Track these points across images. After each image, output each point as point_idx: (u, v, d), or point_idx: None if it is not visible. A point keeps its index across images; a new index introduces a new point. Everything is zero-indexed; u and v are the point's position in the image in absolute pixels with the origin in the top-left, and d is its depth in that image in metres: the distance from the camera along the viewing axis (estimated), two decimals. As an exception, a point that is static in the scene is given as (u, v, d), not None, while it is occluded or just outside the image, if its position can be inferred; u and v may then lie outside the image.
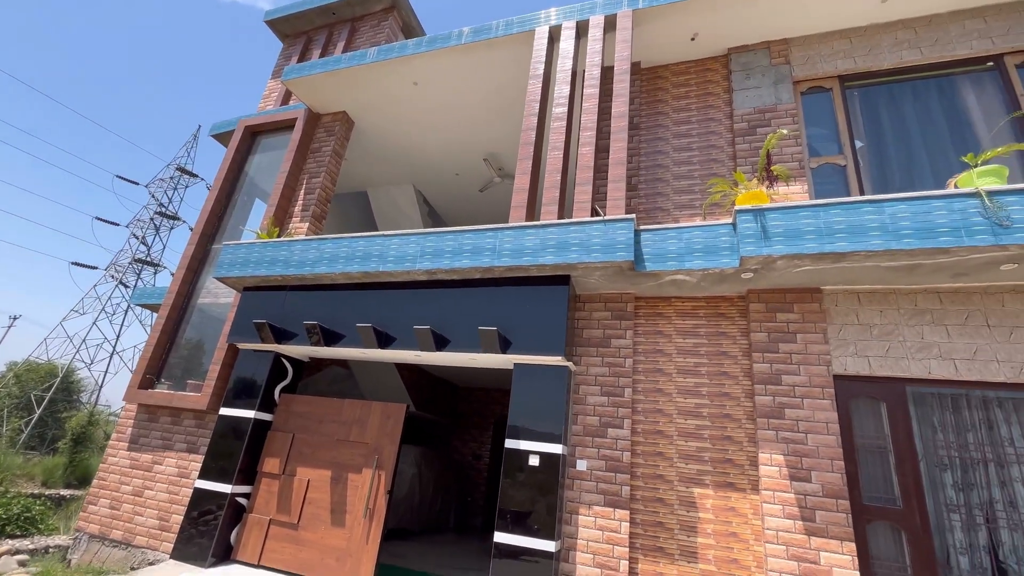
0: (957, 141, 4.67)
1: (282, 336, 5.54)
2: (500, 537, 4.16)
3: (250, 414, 5.48)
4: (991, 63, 4.74)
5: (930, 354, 3.85)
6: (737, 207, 4.04)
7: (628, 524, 4.12)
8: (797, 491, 3.79)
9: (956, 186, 3.78)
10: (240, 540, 5.18)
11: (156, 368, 6.44)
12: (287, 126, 7.58)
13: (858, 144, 4.94)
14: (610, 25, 5.52)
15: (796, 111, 5.14)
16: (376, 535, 4.74)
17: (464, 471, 10.66)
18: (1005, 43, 4.70)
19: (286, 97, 8.30)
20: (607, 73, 5.56)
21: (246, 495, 5.37)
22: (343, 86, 6.97)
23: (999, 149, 3.61)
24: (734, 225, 4.11)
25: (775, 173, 4.34)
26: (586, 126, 4.99)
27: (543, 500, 4.18)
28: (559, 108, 5.25)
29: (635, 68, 5.95)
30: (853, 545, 3.56)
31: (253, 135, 7.89)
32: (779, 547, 3.69)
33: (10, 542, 9.12)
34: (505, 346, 4.60)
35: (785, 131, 4.37)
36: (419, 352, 5.01)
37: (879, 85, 5.09)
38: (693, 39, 5.62)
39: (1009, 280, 3.77)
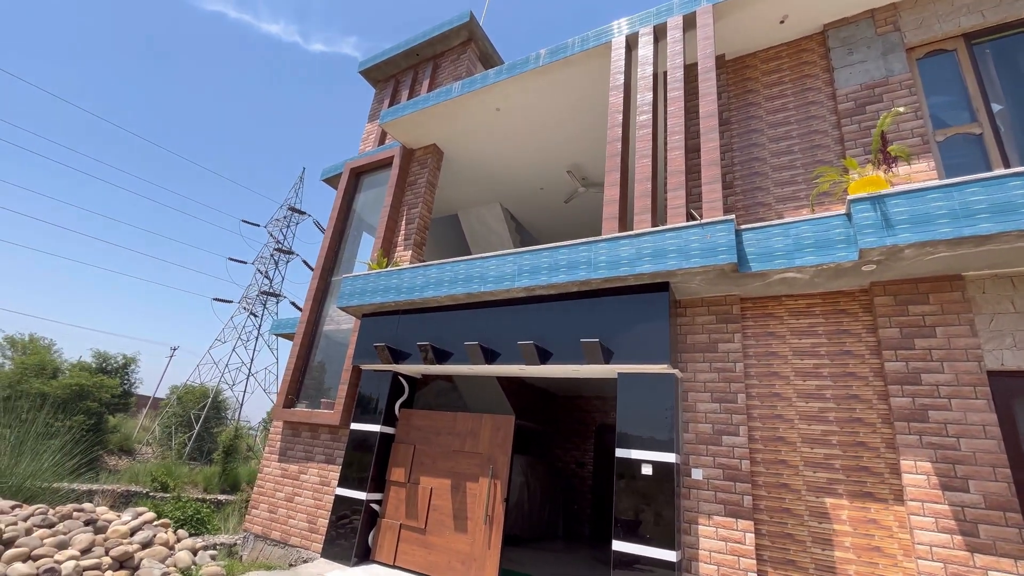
0: None
1: (398, 356, 6.08)
2: (619, 546, 4.22)
3: (376, 428, 6.07)
4: None
5: (1117, 342, 3.29)
6: (851, 196, 3.78)
7: (753, 535, 3.97)
8: (952, 502, 3.42)
9: None
10: (376, 542, 5.74)
11: (295, 389, 7.36)
12: (385, 164, 8.32)
13: (995, 108, 4.37)
14: (689, 24, 5.43)
15: (913, 81, 4.66)
16: (497, 541, 5.02)
17: (568, 479, 10.74)
18: None
19: (382, 138, 9.12)
20: (690, 73, 5.46)
21: (378, 501, 5.95)
22: (432, 121, 7.52)
23: None
24: (848, 215, 3.84)
25: (892, 153, 3.98)
26: (673, 129, 4.94)
27: (659, 509, 4.17)
28: (643, 115, 5.25)
29: (720, 61, 5.77)
30: (1032, 565, 3.13)
31: (357, 175, 8.77)
32: (935, 564, 3.35)
33: (191, 539, 10.81)
34: (608, 356, 4.67)
35: (902, 108, 4.00)
36: (524, 366, 5.24)
37: (1016, 36, 4.47)
38: (782, 21, 5.34)
39: None
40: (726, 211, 5.05)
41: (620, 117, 5.36)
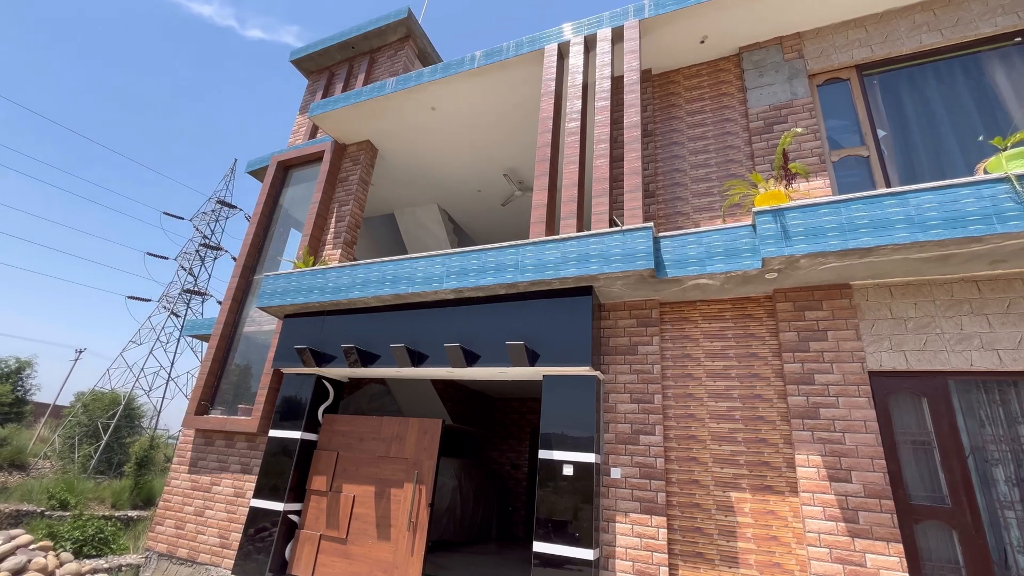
0: (988, 122, 4.52)
1: (322, 359, 5.83)
2: (539, 547, 4.25)
3: (296, 435, 5.78)
4: (1019, 39, 4.57)
5: (971, 345, 3.73)
6: (755, 208, 4.04)
7: (666, 531, 4.14)
8: (837, 492, 3.73)
9: (985, 171, 3.68)
10: (294, 555, 5.45)
11: (209, 395, 6.87)
12: (316, 158, 7.98)
13: (881, 133, 4.84)
14: (617, 37, 5.61)
15: (813, 105, 5.08)
16: (420, 547, 4.91)
17: (504, 481, 10.76)
18: (1032, 17, 4.52)
19: (313, 131, 8.74)
20: (617, 84, 5.64)
21: (297, 512, 5.66)
22: (365, 117, 7.30)
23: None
24: (753, 227, 4.11)
25: (793, 170, 4.31)
26: (599, 138, 5.08)
27: (579, 509, 4.25)
28: (572, 123, 5.36)
29: (647, 75, 6.01)
30: (900, 546, 3.47)
31: (285, 169, 8.35)
32: (822, 550, 3.64)
33: (88, 562, 9.79)
34: (533, 359, 4.71)
35: (800, 129, 4.33)
36: (451, 368, 5.19)
37: (899, 70, 4.98)
38: (703, 42, 5.65)
39: (1051, 264, 3.62)
40: (647, 219, 5.26)
41: (551, 123, 5.45)
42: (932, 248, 3.52)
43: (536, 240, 4.82)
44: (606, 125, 5.12)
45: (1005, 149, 3.56)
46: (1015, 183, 3.31)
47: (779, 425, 4.18)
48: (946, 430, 3.71)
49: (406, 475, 5.28)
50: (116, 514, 16.47)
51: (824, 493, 3.76)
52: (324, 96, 9.02)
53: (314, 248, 7.14)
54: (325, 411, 6.18)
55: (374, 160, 7.95)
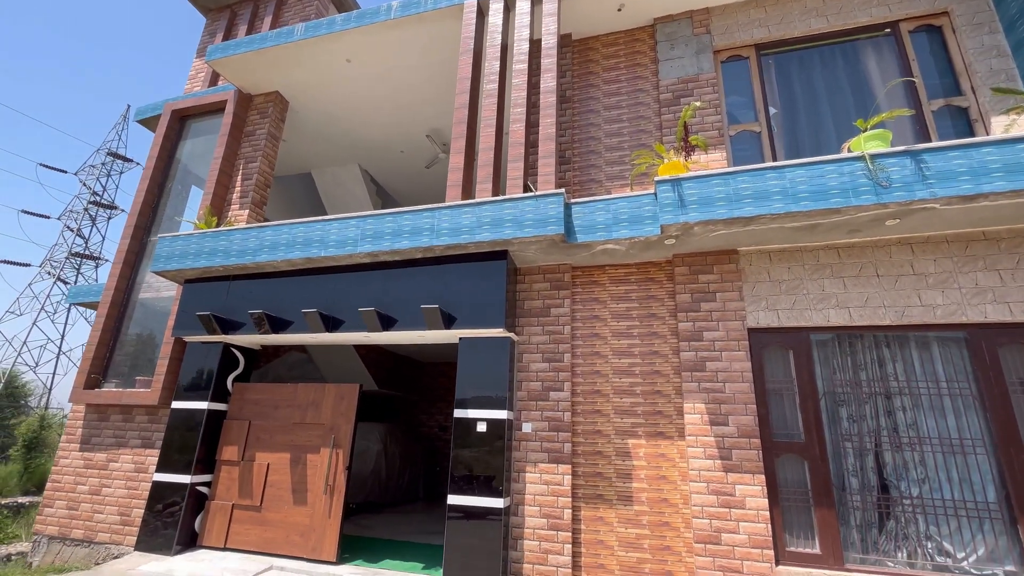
0: (859, 106, 5.03)
1: (228, 326, 5.53)
2: (454, 499, 4.46)
3: (203, 405, 5.51)
4: (888, 29, 5.07)
5: (829, 304, 4.27)
6: (656, 178, 4.29)
7: (570, 477, 4.49)
8: (716, 434, 4.21)
9: (849, 149, 4.13)
10: (205, 526, 5.30)
11: (101, 367, 6.32)
12: (217, 109, 7.29)
13: (772, 111, 5.25)
14: (537, -2, 5.55)
15: (716, 80, 5.37)
16: (338, 509, 4.96)
17: (432, 443, 10.99)
18: (900, 10, 5.03)
19: (214, 78, 7.94)
20: (536, 47, 5.61)
21: (207, 483, 5.47)
22: (272, 65, 6.74)
23: (883, 115, 3.95)
24: (655, 195, 4.36)
25: (692, 143, 4.59)
26: (516, 102, 5.08)
27: (492, 462, 4.48)
28: (491, 84, 5.30)
29: (566, 40, 6.02)
30: (763, 476, 4.02)
31: (182, 119, 7.57)
32: (701, 484, 4.13)
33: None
34: (449, 322, 4.78)
35: (699, 103, 4.60)
36: (368, 333, 5.14)
37: (791, 53, 5.38)
38: (620, 9, 5.72)
39: (894, 234, 4.20)
40: (563, 185, 5.40)
41: (468, 83, 5.35)
42: (802, 218, 3.95)
43: (452, 204, 4.80)
44: (523, 88, 5.11)
45: (865, 130, 4.01)
46: (868, 162, 3.76)
47: (672, 378, 4.61)
48: (806, 377, 4.27)
49: (322, 440, 5.25)
50: (4, 502, 14.95)
51: (705, 436, 4.23)
52: (225, 39, 8.16)
53: (218, 208, 6.63)
54: (235, 380, 5.92)
55: (284, 113, 7.40)
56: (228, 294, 5.68)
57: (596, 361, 4.86)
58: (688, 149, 4.55)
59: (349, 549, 5.39)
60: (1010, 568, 3.58)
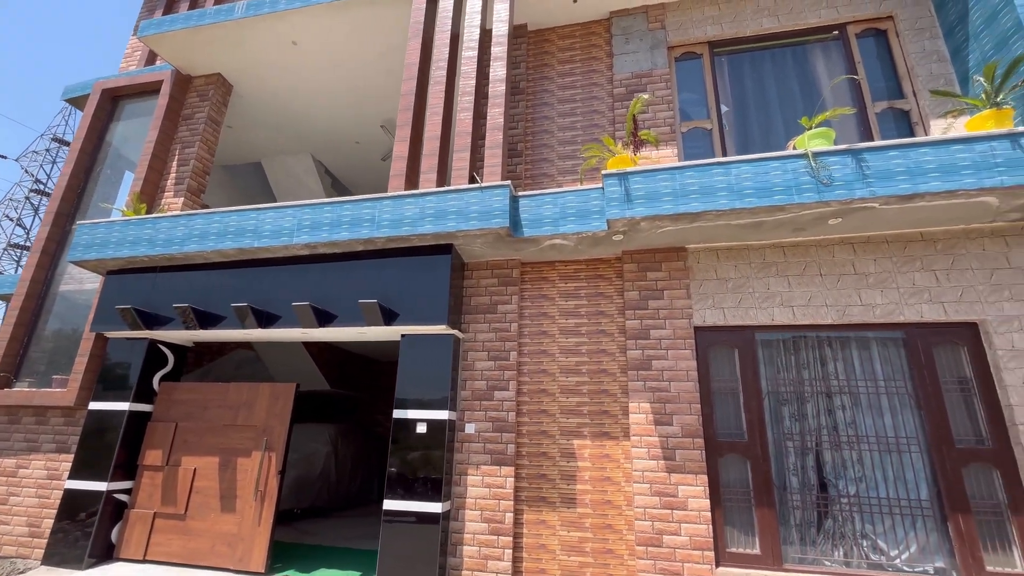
0: (808, 106, 5.05)
1: (153, 321, 5.14)
2: (389, 504, 4.23)
3: (124, 406, 5.10)
4: (836, 32, 5.12)
5: (774, 303, 4.25)
6: (604, 172, 4.17)
7: (513, 479, 4.33)
8: (661, 434, 4.13)
9: (794, 147, 4.11)
10: (123, 537, 4.90)
11: (13, 365, 5.80)
12: (153, 90, 6.83)
13: (724, 108, 5.22)
14: (490, -16, 5.36)
15: (670, 76, 5.31)
16: (268, 516, 4.66)
17: (387, 444, 10.65)
18: (848, 12, 5.07)
19: (152, 57, 7.45)
20: (487, 36, 5.43)
21: (126, 491, 5.06)
22: (212, 45, 6.33)
23: (826, 113, 3.94)
24: (603, 189, 4.25)
25: (642, 138, 4.50)
26: (464, 90, 4.89)
27: (431, 465, 4.27)
28: (439, 71, 5.09)
29: (521, 31, 5.86)
30: (705, 477, 3.96)
31: (114, 99, 7.06)
32: (644, 486, 4.03)
33: None
34: (389, 318, 4.55)
35: (647, 96, 4.51)
36: (305, 330, 4.85)
37: (743, 53, 5.37)
38: (575, 1, 5.60)
39: (837, 233, 4.20)
40: (514, 178, 5.24)
41: (416, 70, 5.12)
42: (747, 215, 3.90)
43: (394, 194, 4.57)
44: (472, 77, 4.93)
45: (810, 128, 4.00)
46: (811, 159, 3.74)
47: (619, 377, 4.50)
48: (750, 376, 4.24)
49: (255, 443, 4.93)
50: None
51: (650, 436, 4.14)
52: (166, 14, 7.67)
53: (150, 194, 6.18)
54: (163, 379, 5.52)
55: (227, 97, 6.99)
56: (154, 287, 5.28)
57: (543, 359, 4.71)
58: (637, 143, 4.46)
59: (284, 558, 5.09)
60: (940, 564, 3.62)
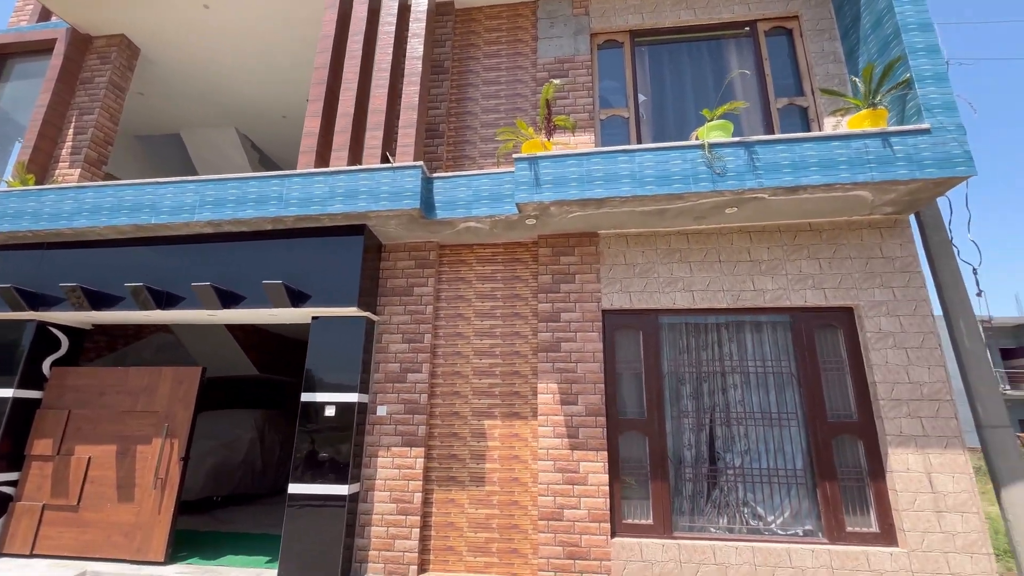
0: (721, 99, 5.24)
1: (39, 302, 4.77)
2: (295, 488, 4.17)
3: (7, 393, 4.74)
4: (747, 28, 5.32)
5: (676, 287, 4.44)
6: (515, 156, 4.19)
7: (423, 460, 4.36)
8: (566, 413, 4.26)
9: (697, 138, 4.27)
10: (7, 532, 4.60)
11: None
12: (45, 48, 6.23)
13: (642, 98, 5.34)
14: (412, -43, 5.20)
15: (591, 63, 5.37)
16: (170, 504, 4.49)
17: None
18: (758, 10, 5.28)
19: (46, 13, 6.77)
20: (407, 11, 5.28)
21: (11, 483, 4.73)
22: (113, 1, 5.83)
23: (725, 106, 4.11)
24: (515, 173, 4.27)
25: (557, 123, 4.54)
26: (380, 66, 4.76)
27: (339, 448, 4.24)
28: (355, 44, 4.91)
29: (448, 8, 5.74)
30: (605, 453, 4.13)
31: (1, 57, 6.39)
32: (548, 463, 4.17)
33: None
34: (298, 300, 4.43)
35: (558, 81, 4.56)
36: (211, 312, 4.65)
37: (663, 44, 5.49)
38: (502, -19, 5.53)
39: (735, 222, 4.43)
40: (435, 160, 5.17)
41: (331, 42, 4.92)
42: (649, 202, 4.04)
43: (303, 171, 4.42)
44: (388, 52, 4.80)
45: (711, 120, 4.16)
46: (707, 150, 3.90)
47: (530, 359, 4.60)
48: (652, 358, 4.43)
49: (156, 430, 4.71)
50: None
51: (556, 415, 4.27)
52: (63, -32, 6.96)
53: (42, 164, 5.68)
54: (56, 364, 5.15)
55: (133, 62, 6.47)
56: (42, 264, 4.89)
57: (459, 342, 4.74)
58: (550, 128, 4.49)
59: (191, 546, 4.93)
60: (808, 527, 3.96)
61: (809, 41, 5.07)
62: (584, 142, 5.03)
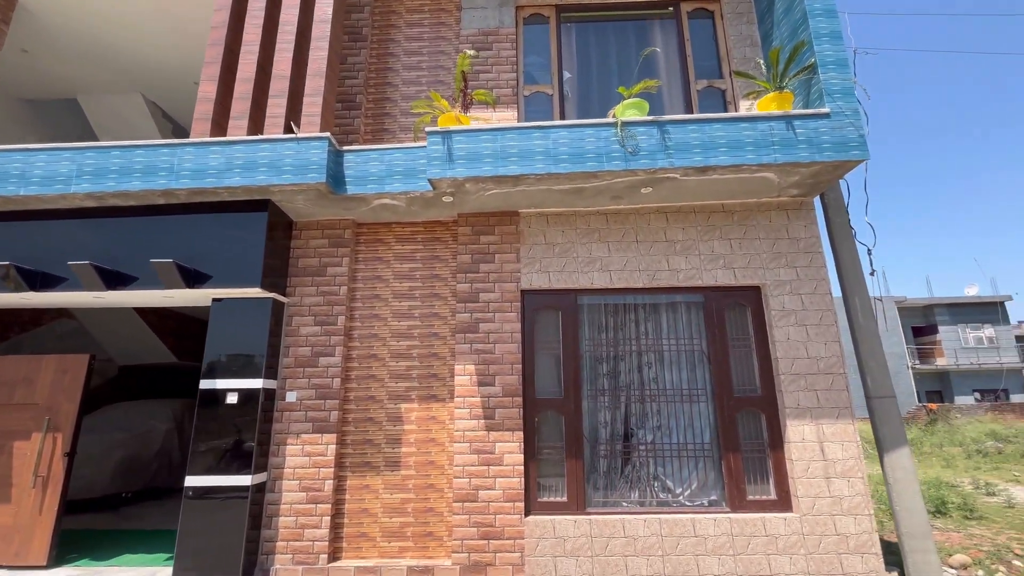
0: (639, 78, 5.23)
1: None
2: (192, 480, 3.92)
3: None
4: (671, 8, 5.31)
5: (594, 267, 4.44)
6: (427, 129, 4.01)
7: (335, 446, 4.20)
8: (483, 395, 4.21)
9: (614, 116, 4.23)
10: None
11: None
12: None
13: (567, 75, 5.25)
14: (323, -89, 4.82)
15: (516, 37, 5.22)
16: (53, 503, 4.12)
17: (256, 418, 10.02)
18: (682, -9, 5.28)
19: None
20: (320, -31, 4.92)
21: None
22: (-26, -58, 5.10)
23: (639, 85, 4.09)
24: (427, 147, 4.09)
25: (476, 97, 4.38)
26: (285, 28, 4.41)
27: (242, 437, 4.01)
28: (258, 3, 4.53)
29: (367, -29, 5.39)
30: (521, 434, 4.12)
31: None
32: (464, 444, 4.11)
33: None
34: (194, 280, 4.10)
35: (472, 52, 4.39)
36: (97, 294, 4.24)
37: (589, 22, 5.40)
38: (424, -55, 5.24)
39: (652, 202, 4.46)
40: (353, 132, 4.90)
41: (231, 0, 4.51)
42: (564, 180, 3.98)
43: (197, 140, 4.06)
44: (294, 11, 4.45)
45: (628, 98, 4.13)
46: (619, 128, 3.87)
47: (449, 340, 4.50)
48: (571, 338, 4.44)
49: (36, 424, 4.29)
50: None
51: (472, 396, 4.20)
52: (-82, -101, 6.02)
53: None
54: (-85, 353, 4.57)
55: (9, 13, 5.72)
56: None
57: (375, 324, 4.57)
58: (467, 102, 4.33)
59: (85, 546, 4.58)
60: (714, 497, 4.12)
61: (729, 24, 5.12)
62: (507, 118, 4.90)
